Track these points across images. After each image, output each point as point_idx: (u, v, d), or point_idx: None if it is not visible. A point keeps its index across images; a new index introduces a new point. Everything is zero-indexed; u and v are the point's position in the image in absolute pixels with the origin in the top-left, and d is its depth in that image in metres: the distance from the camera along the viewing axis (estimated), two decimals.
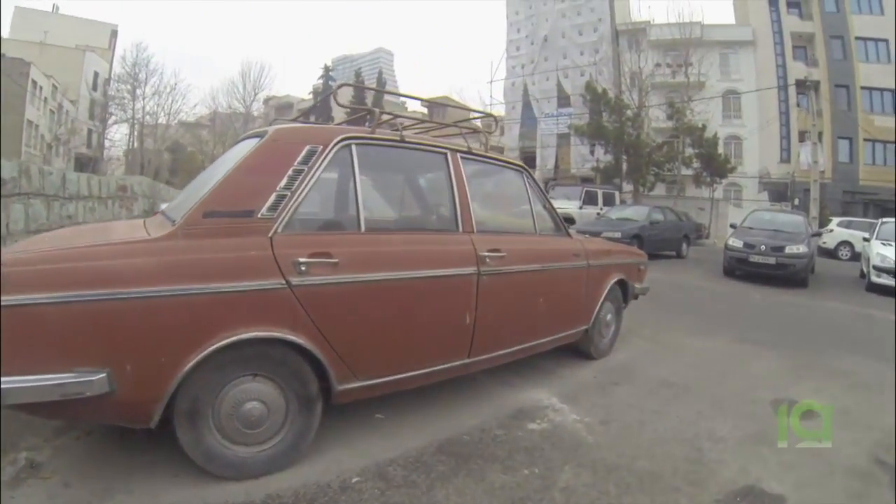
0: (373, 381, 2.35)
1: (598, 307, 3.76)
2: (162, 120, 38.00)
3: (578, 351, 3.92)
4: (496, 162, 3.24)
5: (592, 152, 26.36)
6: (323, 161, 2.26)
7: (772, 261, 8.93)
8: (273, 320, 2.01)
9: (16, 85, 27.75)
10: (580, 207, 14.45)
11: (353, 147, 2.39)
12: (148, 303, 1.78)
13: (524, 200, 3.32)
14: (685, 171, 23.76)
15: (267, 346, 2.03)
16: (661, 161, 23.17)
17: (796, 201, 21.72)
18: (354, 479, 2.10)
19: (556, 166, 32.83)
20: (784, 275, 8.93)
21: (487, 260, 2.71)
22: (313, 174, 2.22)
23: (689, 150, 23.07)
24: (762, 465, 2.45)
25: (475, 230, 2.76)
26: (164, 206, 8.50)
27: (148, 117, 37.34)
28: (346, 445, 2.36)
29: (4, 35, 34.42)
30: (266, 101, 44.69)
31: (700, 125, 22.78)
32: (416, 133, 3.02)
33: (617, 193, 16.90)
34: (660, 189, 24.77)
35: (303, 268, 2.06)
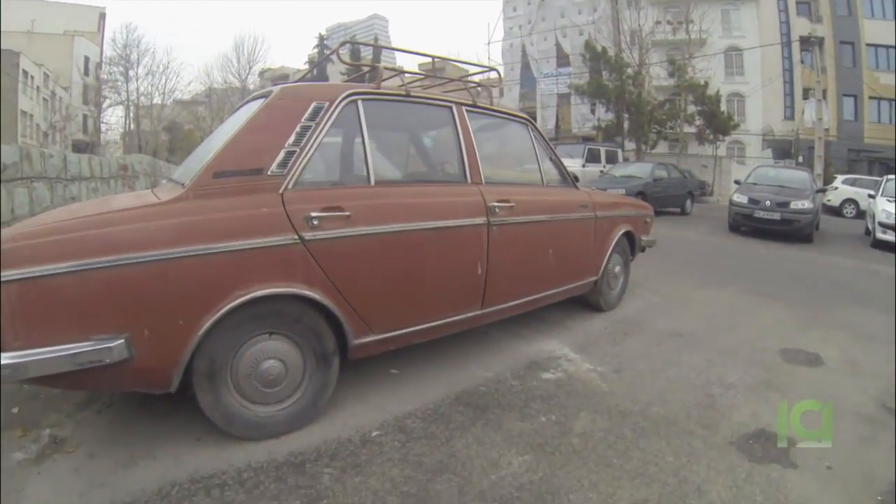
0: (389, 335, 2.37)
1: (606, 259, 3.78)
2: (157, 100, 37.67)
3: (588, 303, 3.97)
4: (501, 114, 3.21)
5: (593, 111, 26.00)
6: (330, 117, 2.23)
7: (776, 216, 8.89)
8: (287, 276, 2.01)
9: (7, 77, 27.28)
10: (583, 165, 14.37)
11: (360, 102, 2.36)
12: (162, 265, 1.77)
13: (530, 152, 3.31)
14: (687, 129, 23.39)
15: (282, 304, 2.03)
16: (663, 119, 22.72)
17: (800, 159, 21.50)
18: (374, 433, 2.14)
19: (557, 126, 32.38)
20: (789, 230, 8.90)
21: (497, 210, 2.71)
22: (321, 130, 2.20)
23: (692, 108, 22.67)
24: (772, 410, 2.48)
25: (483, 181, 2.76)
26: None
27: (143, 98, 37.04)
28: (363, 401, 2.40)
29: None
30: (261, 73, 44.18)
31: (702, 82, 22.34)
32: (421, 88, 2.99)
33: (620, 151, 16.73)
34: (662, 147, 24.40)
35: (315, 222, 2.06)
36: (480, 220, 2.64)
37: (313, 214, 2.05)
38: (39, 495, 1.73)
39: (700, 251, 7.72)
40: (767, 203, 9.01)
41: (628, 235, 4.10)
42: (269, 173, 2.05)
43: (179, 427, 2.12)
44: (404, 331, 2.44)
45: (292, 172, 2.09)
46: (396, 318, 2.40)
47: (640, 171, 12.28)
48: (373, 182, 2.34)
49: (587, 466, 1.98)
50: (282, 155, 2.08)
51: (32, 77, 31.60)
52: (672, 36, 27.16)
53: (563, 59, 31.77)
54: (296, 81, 3.01)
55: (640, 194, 10.73)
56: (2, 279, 1.57)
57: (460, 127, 2.74)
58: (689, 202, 13.15)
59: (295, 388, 2.14)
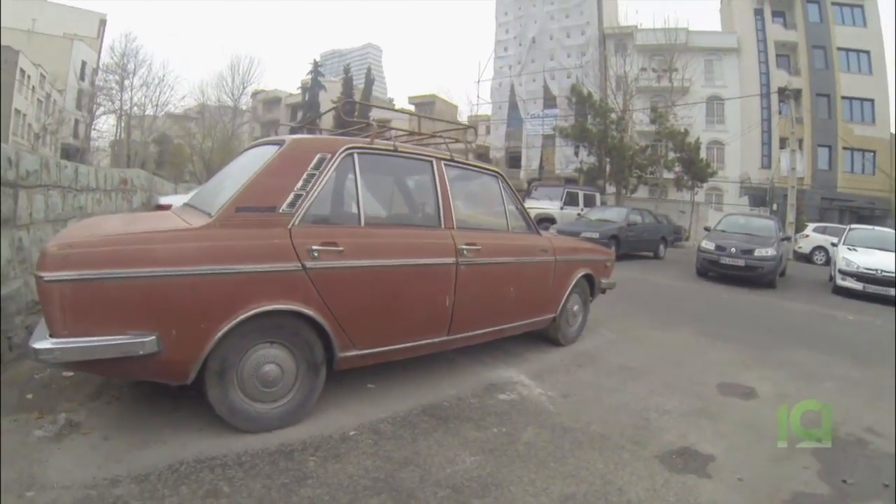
0: (368, 351, 2.79)
1: (564, 298, 4.20)
2: (150, 111, 37.74)
3: (548, 338, 4.35)
4: (475, 168, 3.73)
5: (577, 154, 26.81)
6: (331, 166, 2.71)
7: (741, 263, 9.46)
8: (290, 296, 2.43)
9: (4, 73, 27.52)
10: (561, 208, 14.87)
11: (356, 155, 2.85)
12: (191, 279, 2.20)
13: (499, 202, 3.78)
14: (667, 175, 24.33)
15: (283, 318, 2.45)
16: (644, 164, 23.60)
17: (775, 206, 22.32)
18: (352, 433, 2.53)
19: (541, 166, 33.28)
20: (752, 276, 9.47)
21: (465, 252, 3.16)
22: (323, 177, 2.67)
23: (672, 154, 23.62)
24: (700, 433, 2.88)
25: (455, 226, 3.22)
26: (161, 199, 8.66)
27: (136, 108, 37.12)
28: (343, 409, 2.78)
29: None
30: (254, 94, 44.61)
31: (682, 130, 23.36)
32: (406, 142, 3.50)
33: (598, 195, 17.26)
34: (643, 191, 25.29)
35: (315, 254, 2.50)
36: (450, 259, 3.09)
37: (314, 247, 2.51)
38: (62, 466, 2.05)
39: (665, 294, 8.19)
40: (733, 250, 9.58)
41: (588, 277, 4.53)
42: (280, 211, 2.50)
43: (183, 420, 2.49)
44: (382, 349, 2.88)
45: (299, 211, 2.54)
46: (376, 337, 2.83)
47: (615, 215, 12.77)
48: (363, 223, 2.81)
49: (528, 467, 2.36)
50: (291, 196, 2.54)
51: (29, 77, 31.82)
52: (656, 83, 28.52)
53: (550, 101, 32.79)
54: (298, 126, 3.50)
55: (614, 238, 11.27)
56: (55, 279, 1.97)
57: (438, 179, 3.23)
58: (662, 247, 13.69)
59: (288, 390, 2.54)
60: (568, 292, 4.23)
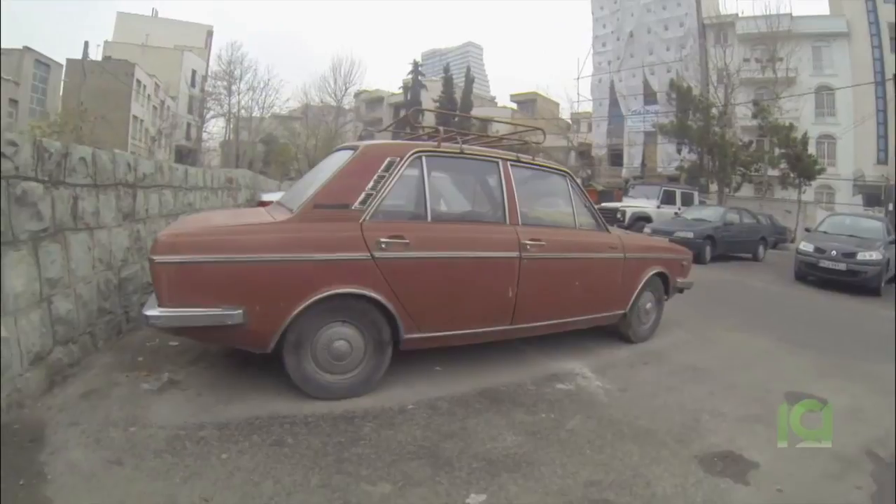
0: (432, 334, 3.07)
1: (635, 295, 4.18)
2: (256, 113, 40.75)
3: (618, 334, 4.35)
4: (542, 168, 3.88)
5: (679, 151, 25.55)
6: (400, 168, 3.01)
7: (842, 266, 8.70)
8: (360, 281, 2.75)
9: (122, 84, 31.27)
10: (658, 206, 14.42)
11: (424, 158, 3.13)
12: (274, 265, 2.61)
13: (566, 199, 3.89)
14: (772, 172, 22.61)
15: (354, 301, 2.77)
16: (748, 161, 22.12)
17: (891, 206, 20.01)
18: (410, 407, 2.80)
19: (643, 164, 32.38)
20: (855, 281, 8.65)
21: (528, 247, 3.31)
22: (393, 178, 2.98)
23: (777, 150, 21.85)
24: (750, 439, 2.75)
25: (520, 223, 3.38)
26: (264, 196, 9.40)
27: (243, 111, 40.29)
28: (408, 387, 3.05)
29: (109, 39, 38.72)
30: (357, 95, 46.69)
31: (786, 124, 21.51)
32: (477, 144, 3.77)
33: (696, 193, 16.47)
34: (747, 190, 23.65)
35: (383, 245, 2.80)
36: (513, 253, 3.27)
37: (382, 239, 2.81)
38: (160, 412, 2.53)
39: (755, 297, 7.74)
40: (833, 253, 8.84)
41: (661, 276, 4.47)
42: (353, 208, 2.85)
43: (265, 385, 2.88)
44: (445, 333, 3.13)
45: (370, 208, 2.87)
46: (439, 321, 3.09)
47: (712, 214, 12.22)
48: (429, 219, 3.08)
49: (564, 452, 2.47)
50: (363, 195, 2.87)
51: (144, 86, 35.51)
52: (760, 74, 26.41)
53: (650, 97, 31.83)
54: (384, 129, 3.87)
55: (709, 238, 10.84)
56: (164, 261, 2.44)
57: (503, 178, 3.42)
58: (761, 248, 12.86)
59: (357, 365, 2.86)
60: (639, 290, 4.21)
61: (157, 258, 2.45)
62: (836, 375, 4.07)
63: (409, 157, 3.05)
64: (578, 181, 4.02)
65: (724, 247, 11.32)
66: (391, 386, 3.00)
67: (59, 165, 2.79)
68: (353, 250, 2.75)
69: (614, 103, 34.91)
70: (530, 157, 3.73)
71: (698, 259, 10.73)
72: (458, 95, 43.34)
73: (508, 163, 3.49)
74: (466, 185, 4.06)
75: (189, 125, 41.86)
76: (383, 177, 2.93)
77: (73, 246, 2.96)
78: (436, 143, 3.28)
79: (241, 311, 2.51)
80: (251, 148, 40.16)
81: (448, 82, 45.37)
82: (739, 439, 2.75)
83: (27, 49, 27.01)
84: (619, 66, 34.24)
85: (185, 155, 38.18)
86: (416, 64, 48.42)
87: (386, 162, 2.97)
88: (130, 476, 2.01)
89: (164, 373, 3.00)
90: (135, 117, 34.25)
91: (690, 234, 10.46)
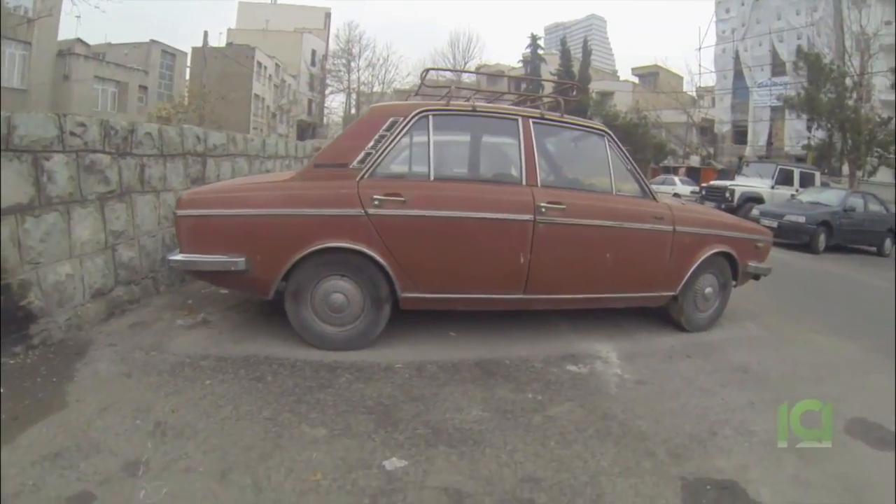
0: (431, 295, 3.07)
1: (688, 275, 3.66)
2: (377, 88, 42.43)
3: (670, 319, 3.90)
4: (575, 126, 3.54)
5: (809, 128, 22.21)
6: (403, 128, 3.02)
7: None
8: (353, 237, 2.85)
9: (243, 67, 34.30)
10: (772, 187, 13.02)
11: (430, 117, 3.09)
12: (274, 218, 2.85)
13: (603, 162, 3.49)
14: None
15: (350, 256, 2.88)
16: (887, 141, 18.37)
17: None
18: (398, 366, 2.85)
19: (769, 142, 29.21)
20: None
21: (544, 210, 3.10)
22: (395, 137, 3.00)
23: None
24: (768, 472, 2.17)
25: (539, 184, 3.18)
26: None
27: (363, 87, 42.37)
28: (410, 348, 3.10)
29: (231, 26, 42.68)
30: (477, 69, 46.93)
31: None
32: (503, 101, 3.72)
33: (817, 174, 14.42)
34: (884, 175, 19.63)
35: (376, 202, 2.85)
36: (526, 216, 3.08)
37: (376, 197, 2.86)
38: (180, 343, 2.93)
39: (864, 297, 6.56)
40: None
41: (728, 257, 3.87)
42: (351, 167, 2.94)
43: (279, 333, 3.11)
44: (446, 295, 3.12)
45: (368, 167, 2.93)
46: (439, 283, 3.08)
47: (832, 198, 10.76)
48: (432, 178, 3.05)
49: (524, 438, 2.23)
50: (362, 155, 2.95)
51: (265, 67, 38.48)
52: None
53: (778, 67, 28.29)
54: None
55: (824, 224, 9.68)
56: (183, 214, 2.81)
57: (523, 136, 3.22)
58: (888, 241, 11.01)
59: (354, 319, 2.98)
60: (693, 270, 3.66)
61: (179, 212, 2.85)
62: None
63: (414, 116, 3.05)
64: (618, 142, 3.61)
65: (842, 236, 10.04)
66: (395, 345, 3.08)
67: (125, 140, 3.29)
68: (346, 206, 2.85)
69: (739, 75, 31.49)
70: (558, 115, 3.45)
71: (811, 248, 9.73)
72: (575, 69, 41.59)
73: (531, 120, 3.27)
74: (479, 144, 3.83)
75: (310, 101, 44.93)
76: (384, 136, 2.97)
77: (138, 205, 3.50)
78: (443, 102, 3.26)
79: (243, 259, 2.78)
80: None
81: (566, 55, 43.93)
82: (754, 469, 2.18)
83: (153, 42, 31.41)
84: (745, 33, 30.79)
85: (306, 129, 41.05)
86: (533, 37, 47.68)
87: (389, 122, 3.00)
88: (131, 386, 2.42)
89: (201, 314, 3.38)
90: (256, 96, 37.20)
91: (802, 219, 9.42)
